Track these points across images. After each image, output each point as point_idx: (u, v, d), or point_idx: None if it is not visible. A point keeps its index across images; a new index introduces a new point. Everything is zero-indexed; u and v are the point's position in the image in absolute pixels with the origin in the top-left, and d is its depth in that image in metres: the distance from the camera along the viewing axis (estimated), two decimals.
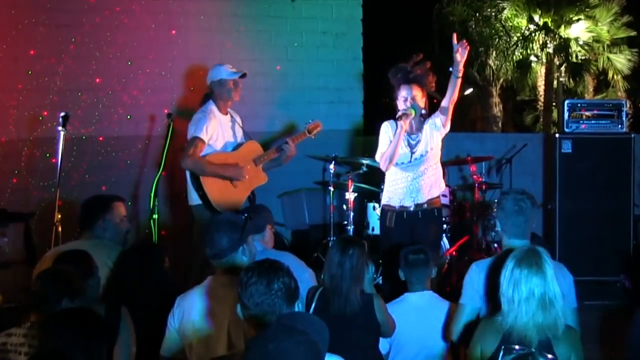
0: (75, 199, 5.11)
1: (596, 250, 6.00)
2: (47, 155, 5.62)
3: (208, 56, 6.23)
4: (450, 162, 6.54)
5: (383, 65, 4.80)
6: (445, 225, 6.05)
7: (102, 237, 3.83)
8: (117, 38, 6.07)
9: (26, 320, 2.90)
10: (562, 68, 14.83)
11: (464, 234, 6.27)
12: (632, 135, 6.18)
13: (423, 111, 4.61)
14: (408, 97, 4.54)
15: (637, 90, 15.27)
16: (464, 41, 4.39)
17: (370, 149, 4.85)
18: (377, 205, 5.74)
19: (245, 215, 3.22)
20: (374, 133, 4.81)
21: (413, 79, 4.56)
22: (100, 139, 6.02)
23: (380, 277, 5.24)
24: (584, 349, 3.00)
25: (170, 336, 3.07)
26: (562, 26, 14.48)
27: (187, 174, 4.89)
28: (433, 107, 4.70)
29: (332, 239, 5.97)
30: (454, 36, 4.39)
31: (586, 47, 14.56)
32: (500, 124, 16.45)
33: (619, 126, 6.18)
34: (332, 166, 6.11)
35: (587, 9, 14.44)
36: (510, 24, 14.77)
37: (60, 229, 4.56)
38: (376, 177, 5.67)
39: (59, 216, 4.59)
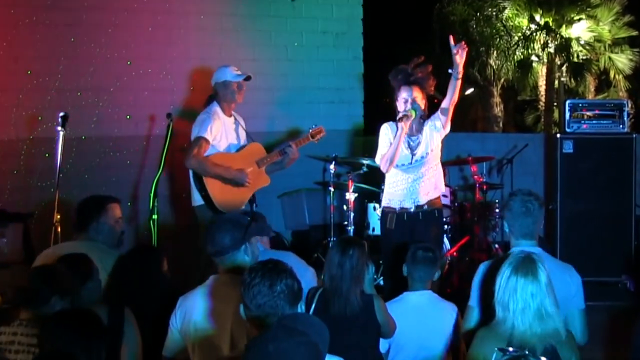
0: (74, 200, 5.06)
1: (598, 250, 5.99)
2: (47, 155, 5.60)
3: (208, 56, 6.23)
4: (451, 162, 6.53)
5: (383, 65, 4.80)
6: (446, 226, 6.04)
7: (96, 239, 3.79)
8: (117, 38, 6.05)
9: (16, 318, 2.90)
10: (564, 68, 14.80)
11: (464, 235, 6.26)
12: (634, 136, 6.17)
13: (423, 113, 4.60)
14: (408, 98, 4.53)
15: (639, 90, 15.25)
16: (463, 42, 4.37)
17: (371, 149, 4.84)
18: (377, 205, 5.73)
19: (250, 216, 3.23)
20: (374, 133, 4.81)
21: (414, 81, 4.56)
22: (100, 139, 6.01)
23: (381, 278, 5.23)
24: (585, 349, 3.01)
25: (172, 337, 3.06)
26: (564, 26, 14.46)
27: (190, 174, 4.91)
28: (433, 107, 4.69)
29: (332, 239, 5.97)
30: (451, 38, 4.38)
31: (587, 47, 14.54)
32: (501, 124, 16.43)
33: (621, 126, 6.17)
34: (332, 166, 6.11)
35: (588, 9, 14.41)
36: (511, 23, 14.75)
37: (59, 229, 4.56)
38: (376, 177, 5.65)
39: (58, 216, 4.58)
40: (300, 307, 2.48)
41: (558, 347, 2.82)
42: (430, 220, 4.61)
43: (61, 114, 4.79)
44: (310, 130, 5.29)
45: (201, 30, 6.39)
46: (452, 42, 4.35)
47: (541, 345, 2.77)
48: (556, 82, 15.08)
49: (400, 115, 4.49)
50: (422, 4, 15.10)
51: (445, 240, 5.94)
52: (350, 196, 5.94)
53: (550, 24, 14.52)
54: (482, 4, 14.86)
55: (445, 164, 6.03)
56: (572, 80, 14.80)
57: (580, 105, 6.31)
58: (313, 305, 3.41)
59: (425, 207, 4.60)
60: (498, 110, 16.35)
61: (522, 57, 14.75)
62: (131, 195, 6.02)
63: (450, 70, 4.39)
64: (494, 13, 14.79)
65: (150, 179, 4.91)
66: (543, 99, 15.52)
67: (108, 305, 3.11)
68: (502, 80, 15.77)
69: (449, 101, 4.49)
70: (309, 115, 6.48)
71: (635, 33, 14.28)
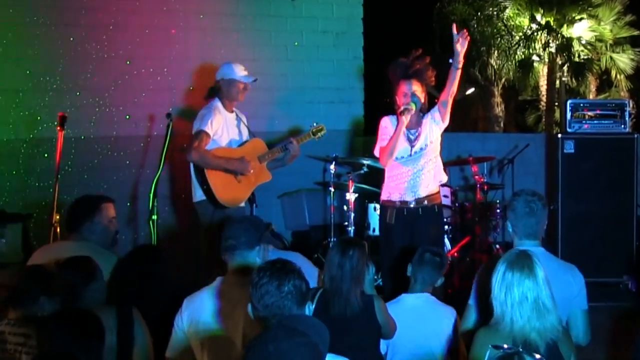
0: (73, 200, 5.07)
1: (599, 251, 5.97)
2: (46, 155, 5.60)
3: (208, 56, 6.22)
4: (452, 163, 6.51)
5: (384, 65, 4.78)
6: (446, 226, 6.02)
7: (89, 239, 3.77)
8: (116, 37, 6.05)
9: (4, 317, 2.90)
10: (565, 68, 14.78)
11: (465, 235, 6.24)
12: (635, 136, 6.15)
13: (422, 106, 4.60)
14: (408, 91, 4.53)
15: None
16: (464, 31, 4.37)
17: (371, 149, 4.83)
18: (377, 206, 5.71)
19: (269, 222, 3.27)
20: (375, 133, 4.79)
21: (412, 73, 4.55)
22: (99, 139, 5.99)
23: (381, 279, 5.21)
24: (587, 350, 2.99)
25: (177, 337, 3.05)
26: (565, 25, 14.44)
27: (192, 169, 4.89)
28: (433, 104, 4.68)
29: (332, 240, 5.94)
30: (454, 26, 4.37)
31: (589, 47, 14.51)
32: (502, 124, 16.42)
33: (622, 126, 6.15)
34: (332, 166, 6.09)
35: (589, 8, 14.39)
36: (512, 23, 14.73)
37: (58, 229, 4.54)
38: (377, 177, 5.63)
39: (57, 217, 4.57)
40: (308, 308, 2.47)
41: (559, 343, 2.82)
42: (431, 217, 4.60)
43: (60, 114, 4.79)
44: (312, 128, 5.28)
45: (201, 29, 6.38)
46: (454, 30, 4.34)
47: (542, 342, 2.76)
48: (557, 81, 15.06)
49: (401, 109, 4.48)
50: (423, 3, 15.08)
51: (446, 240, 5.93)
52: (351, 196, 5.92)
53: (552, 24, 14.50)
54: (483, 4, 14.84)
55: (446, 164, 6.00)
56: (573, 80, 14.77)
57: (581, 105, 6.29)
58: (313, 306, 3.40)
59: (425, 202, 4.59)
60: (499, 110, 16.33)
61: (523, 56, 14.73)
62: (130, 196, 6.01)
63: (450, 60, 4.37)
64: (495, 12, 14.78)
65: (149, 179, 4.89)
66: (544, 98, 15.50)
67: (115, 305, 3.10)
68: (503, 80, 15.75)
69: (449, 92, 4.48)
70: (309, 115, 6.46)
71: (636, 33, 14.25)
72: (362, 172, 6.16)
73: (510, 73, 15.01)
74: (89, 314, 2.70)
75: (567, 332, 3.01)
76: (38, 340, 2.67)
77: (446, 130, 4.80)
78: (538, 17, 14.71)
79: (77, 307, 2.98)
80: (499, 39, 14.71)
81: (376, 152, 4.66)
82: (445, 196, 6.03)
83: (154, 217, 4.71)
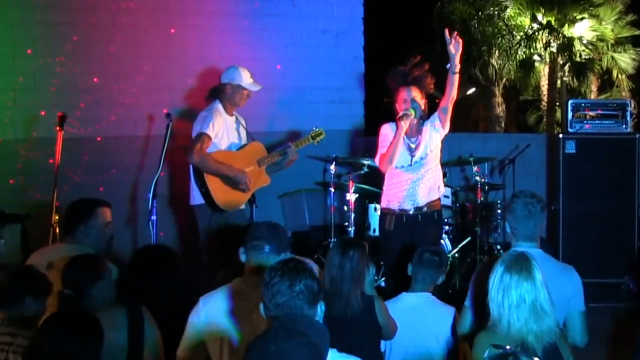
0: (71, 201, 5.06)
1: (600, 251, 5.96)
2: (45, 155, 5.57)
3: (207, 55, 6.21)
4: (453, 163, 6.50)
5: (384, 65, 4.78)
6: (447, 227, 6.02)
7: (83, 242, 3.75)
8: (116, 37, 6.03)
9: None
10: (566, 67, 14.76)
11: (466, 236, 6.22)
12: (637, 136, 6.14)
13: (422, 113, 4.60)
14: (407, 98, 4.53)
15: None
16: (456, 33, 4.37)
17: (372, 150, 4.82)
18: (378, 206, 5.70)
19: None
20: (375, 133, 4.80)
21: (411, 80, 4.56)
22: (98, 139, 5.98)
23: (383, 279, 5.20)
24: (588, 351, 3.00)
25: (190, 336, 3.04)
26: (566, 25, 14.42)
27: (191, 171, 4.90)
28: (434, 107, 4.66)
29: (332, 240, 5.94)
30: (447, 31, 4.37)
31: (590, 46, 14.50)
32: (503, 124, 16.40)
33: (624, 126, 6.14)
34: (332, 167, 6.08)
35: (591, 8, 14.37)
36: (513, 22, 14.71)
37: (57, 230, 4.52)
38: (377, 178, 5.61)
39: (56, 217, 4.55)
40: (320, 308, 2.46)
41: (558, 345, 2.81)
42: (430, 223, 4.60)
43: (59, 114, 4.78)
44: (311, 132, 5.30)
45: (200, 29, 6.36)
46: (447, 35, 4.34)
47: (539, 345, 2.75)
48: (558, 81, 15.04)
49: (400, 114, 4.47)
50: (423, 3, 15.06)
51: (447, 241, 5.91)
52: (351, 197, 5.92)
53: (553, 23, 14.48)
54: (484, 3, 14.83)
55: (446, 164, 6.01)
56: (574, 79, 14.75)
57: (582, 105, 6.29)
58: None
59: (425, 209, 4.58)
60: (500, 110, 16.31)
61: (524, 56, 14.72)
62: (130, 196, 6.00)
63: (447, 66, 4.36)
64: (496, 12, 14.76)
65: (149, 180, 4.89)
66: (545, 98, 15.49)
67: (125, 304, 3.11)
68: (504, 80, 15.74)
69: (448, 98, 4.47)
70: (309, 115, 6.44)
71: (638, 32, 14.24)
72: (362, 172, 6.15)
73: (511, 73, 15.01)
74: (88, 314, 2.70)
75: (564, 335, 3.00)
76: (38, 341, 2.65)
77: None
78: (539, 16, 14.69)
79: (83, 306, 2.99)
80: (500, 38, 14.70)
81: (377, 161, 4.66)
82: (445, 197, 6.02)
83: (154, 217, 4.71)
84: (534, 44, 14.49)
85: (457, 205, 6.34)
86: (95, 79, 5.98)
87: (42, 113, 5.73)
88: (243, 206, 5.04)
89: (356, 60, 7.12)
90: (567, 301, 3.28)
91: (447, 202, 6.09)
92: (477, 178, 6.22)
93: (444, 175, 5.17)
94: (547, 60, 14.83)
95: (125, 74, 6.08)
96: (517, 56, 14.66)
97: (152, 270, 3.52)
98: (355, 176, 6.05)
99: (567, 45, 14.36)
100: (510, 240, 3.50)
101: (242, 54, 6.26)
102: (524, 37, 14.60)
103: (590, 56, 14.57)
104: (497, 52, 14.84)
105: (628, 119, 6.16)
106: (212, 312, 2.99)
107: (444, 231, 5.79)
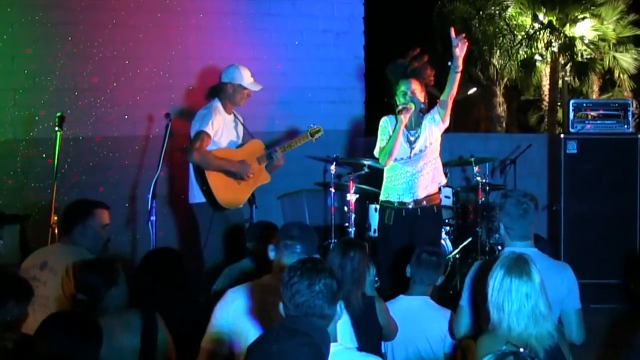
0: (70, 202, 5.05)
1: (602, 252, 5.94)
2: (44, 155, 5.55)
3: (207, 55, 6.20)
4: (454, 163, 6.48)
5: (385, 65, 4.77)
6: (448, 227, 6.00)
7: (80, 243, 3.72)
8: (115, 37, 6.01)
9: None
10: (567, 67, 14.75)
11: (467, 236, 6.20)
12: (639, 136, 6.11)
13: (422, 106, 4.59)
14: (407, 91, 4.54)
15: None
16: (463, 35, 4.36)
17: (372, 150, 4.81)
18: (378, 207, 5.68)
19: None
20: (376, 133, 4.78)
21: (411, 73, 4.56)
22: (98, 139, 5.97)
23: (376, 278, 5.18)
24: (588, 351, 2.96)
25: (215, 329, 3.01)
26: (567, 24, 14.41)
27: (191, 169, 4.89)
28: (433, 104, 4.66)
29: (333, 241, 5.94)
30: (452, 30, 4.36)
31: (592, 46, 14.48)
32: (504, 124, 16.40)
33: (625, 126, 6.12)
34: (333, 167, 6.07)
35: (592, 7, 14.36)
36: (515, 22, 14.71)
37: (56, 230, 4.51)
38: (378, 178, 5.60)
39: (56, 218, 4.54)
40: (340, 307, 2.45)
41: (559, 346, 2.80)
42: (429, 218, 4.60)
43: (58, 114, 4.76)
44: (309, 129, 5.29)
45: (200, 29, 6.34)
46: (453, 34, 4.34)
47: (541, 348, 2.74)
48: (560, 81, 15.03)
49: (399, 107, 4.47)
50: (423, 3, 15.04)
51: (448, 242, 5.90)
52: (351, 197, 5.90)
53: (554, 23, 14.46)
54: (485, 3, 14.82)
55: (447, 164, 5.98)
56: (576, 79, 14.75)
57: (584, 105, 6.26)
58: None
59: (424, 202, 4.59)
60: (501, 110, 16.30)
61: (525, 56, 14.72)
62: (129, 196, 5.99)
63: (449, 63, 4.36)
64: (497, 12, 14.76)
65: (148, 180, 4.89)
66: (546, 98, 15.48)
67: (140, 309, 3.10)
68: (505, 79, 15.73)
69: (448, 95, 4.48)
70: (309, 115, 6.42)
71: None
72: (362, 172, 6.13)
73: (513, 73, 15.00)
74: (88, 317, 2.70)
75: (563, 336, 2.99)
76: (35, 343, 2.64)
77: (448, 130, 4.79)
78: (540, 16, 14.67)
79: (97, 311, 3.00)
80: (501, 38, 14.69)
81: (376, 153, 4.67)
82: (446, 197, 6.00)
83: (153, 217, 4.70)
84: (535, 44, 14.49)
85: (458, 205, 6.32)
86: (95, 79, 5.96)
87: (42, 113, 5.71)
88: (242, 205, 5.03)
89: (356, 60, 7.10)
90: (562, 298, 3.27)
91: (448, 202, 6.07)
92: (478, 178, 6.20)
93: (445, 176, 5.15)
94: (549, 60, 14.81)
95: (125, 74, 6.07)
96: (519, 56, 14.66)
97: (164, 272, 3.53)
98: (355, 176, 6.03)
99: (568, 45, 14.35)
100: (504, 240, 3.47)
101: (242, 54, 6.24)
102: (525, 36, 14.59)
103: (592, 56, 14.56)
104: (498, 51, 14.83)
105: (630, 119, 6.13)
106: (241, 306, 2.98)
107: (444, 232, 5.78)
